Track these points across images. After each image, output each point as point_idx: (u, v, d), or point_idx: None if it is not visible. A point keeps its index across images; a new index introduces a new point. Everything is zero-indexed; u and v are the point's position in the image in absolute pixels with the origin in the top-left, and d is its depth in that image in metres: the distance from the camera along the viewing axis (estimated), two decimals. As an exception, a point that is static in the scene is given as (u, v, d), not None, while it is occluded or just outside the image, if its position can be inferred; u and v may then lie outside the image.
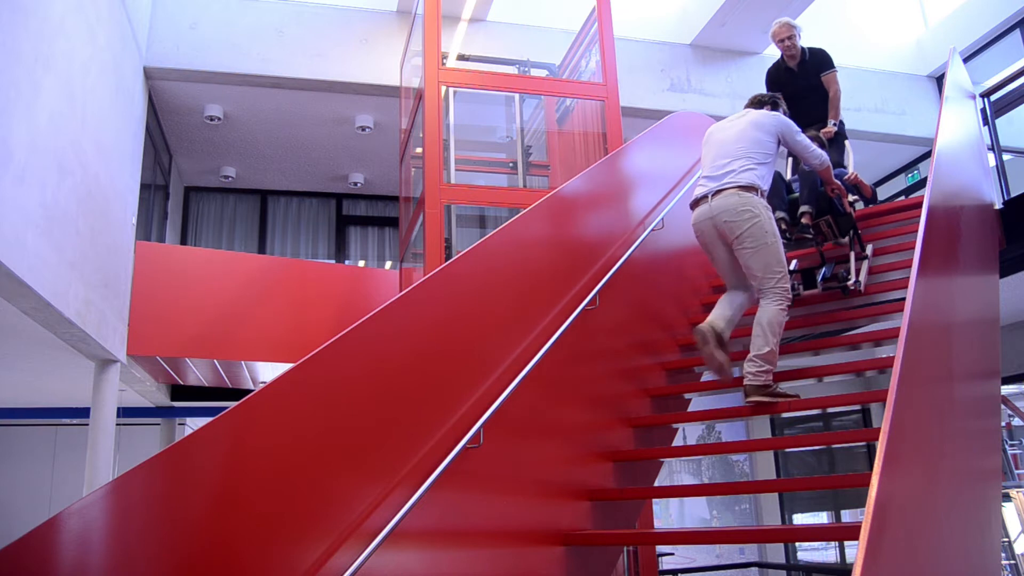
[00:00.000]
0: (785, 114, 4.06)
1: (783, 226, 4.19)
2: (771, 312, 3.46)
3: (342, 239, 9.49)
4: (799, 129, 3.90)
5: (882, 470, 1.48)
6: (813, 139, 4.35)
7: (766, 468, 10.61)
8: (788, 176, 4.85)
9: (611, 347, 3.87)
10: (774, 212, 3.93)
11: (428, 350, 2.79)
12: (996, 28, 8.37)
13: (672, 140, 5.33)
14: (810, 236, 4.28)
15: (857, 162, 6.33)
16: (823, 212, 4.30)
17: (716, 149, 3.81)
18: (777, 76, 5.32)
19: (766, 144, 3.73)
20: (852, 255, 4.40)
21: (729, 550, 9.74)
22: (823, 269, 4.41)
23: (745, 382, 3.47)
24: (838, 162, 4.80)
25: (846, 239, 4.46)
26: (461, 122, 5.95)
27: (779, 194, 4.26)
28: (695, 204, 3.76)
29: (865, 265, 4.33)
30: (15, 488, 9.41)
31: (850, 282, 4.19)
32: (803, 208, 4.21)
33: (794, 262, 4.73)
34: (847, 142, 5.03)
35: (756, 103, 4.08)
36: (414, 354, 2.72)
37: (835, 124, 5.05)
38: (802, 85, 5.13)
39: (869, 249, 4.52)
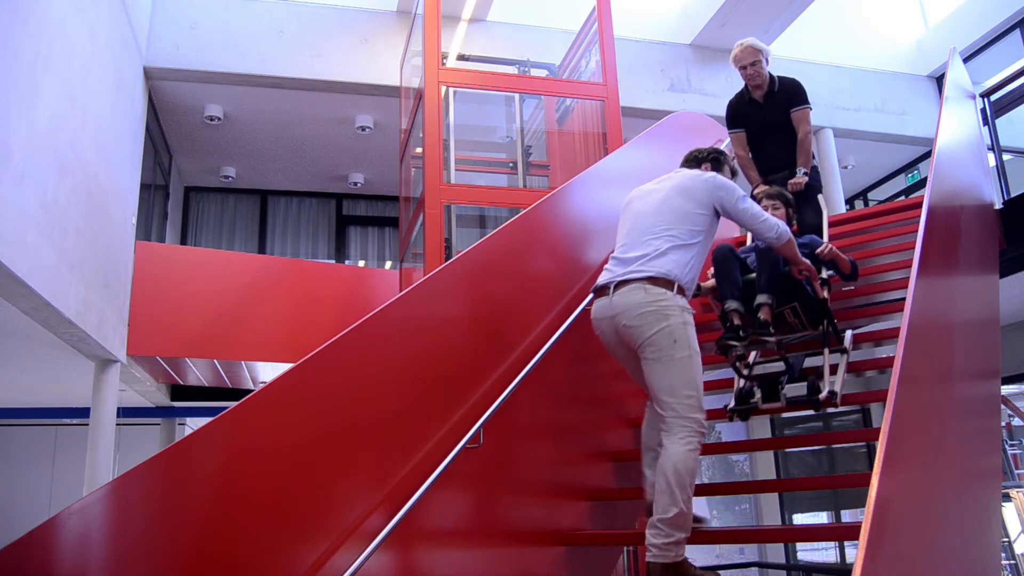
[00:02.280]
0: (733, 174, 3.26)
1: (735, 321, 3.20)
2: (677, 456, 2.55)
3: (342, 239, 9.49)
4: (744, 194, 2.98)
5: (882, 470, 1.48)
6: (769, 202, 3.52)
7: (766, 468, 10.61)
8: (750, 242, 3.89)
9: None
10: (724, 303, 3.22)
11: (429, 350, 2.79)
12: (996, 28, 8.37)
13: (673, 136, 5.33)
14: (770, 340, 3.15)
15: (857, 162, 6.22)
16: (788, 299, 3.32)
17: (631, 222, 2.99)
18: (739, 109, 4.41)
19: (695, 218, 2.87)
20: (826, 355, 3.37)
21: (729, 550, 9.74)
22: (787, 374, 3.38)
23: (648, 557, 2.58)
24: (813, 224, 3.98)
25: (821, 330, 3.41)
26: (461, 122, 5.95)
27: (730, 276, 3.27)
28: (596, 294, 2.93)
29: (843, 365, 3.35)
30: (15, 488, 9.41)
31: (823, 394, 3.19)
32: (760, 299, 3.19)
33: (752, 356, 3.62)
34: (821, 197, 4.10)
35: (692, 160, 3.22)
36: (414, 354, 2.72)
37: (805, 173, 4.10)
38: (768, 121, 4.25)
39: (848, 338, 3.48)
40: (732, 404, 3.38)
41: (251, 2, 7.00)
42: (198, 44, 6.73)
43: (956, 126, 3.99)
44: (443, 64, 5.55)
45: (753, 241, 3.67)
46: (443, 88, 5.44)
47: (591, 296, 3.01)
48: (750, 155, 4.37)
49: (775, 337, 3.17)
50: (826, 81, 8.62)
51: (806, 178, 4.09)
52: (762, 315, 3.15)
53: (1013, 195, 4.78)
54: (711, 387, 3.85)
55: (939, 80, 9.01)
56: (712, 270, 3.36)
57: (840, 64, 8.83)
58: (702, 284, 3.33)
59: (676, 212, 2.89)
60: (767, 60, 4.21)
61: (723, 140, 6.05)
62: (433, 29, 5.33)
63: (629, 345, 2.79)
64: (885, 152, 9.14)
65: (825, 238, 3.86)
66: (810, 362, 3.53)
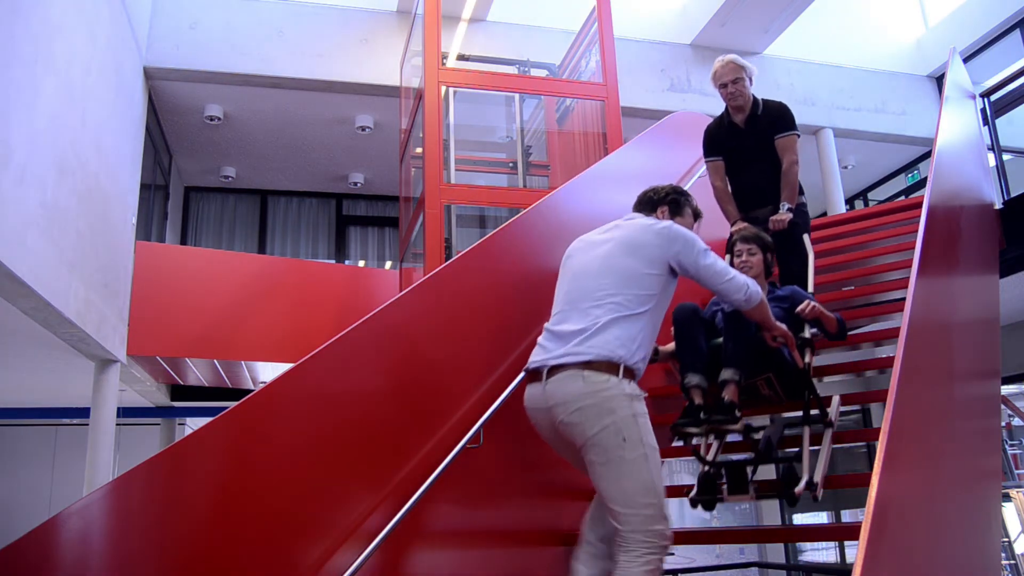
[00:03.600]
0: (696, 216, 2.75)
1: (696, 399, 2.69)
2: None
3: (342, 239, 9.49)
4: (707, 247, 2.46)
5: (882, 470, 1.48)
6: (744, 245, 3.10)
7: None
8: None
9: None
10: (684, 377, 2.74)
11: (429, 349, 2.79)
12: (996, 28, 8.37)
13: (673, 137, 5.33)
14: (734, 427, 2.63)
15: (857, 162, 6.19)
16: (761, 368, 2.84)
17: (568, 283, 2.49)
18: (717, 135, 3.86)
19: (645, 281, 2.35)
20: (806, 433, 2.81)
21: (729, 550, 9.74)
22: (756, 461, 2.75)
23: None
24: (797, 273, 3.47)
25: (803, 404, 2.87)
26: (461, 122, 5.95)
27: (692, 343, 2.76)
28: (528, 377, 2.44)
29: (827, 442, 2.80)
30: (15, 488, 9.41)
31: (799, 487, 2.60)
32: (725, 374, 2.68)
33: (712, 447, 3.01)
34: (807, 239, 3.58)
35: (645, 203, 2.69)
36: (415, 353, 2.72)
37: (789, 209, 3.55)
38: (749, 148, 3.73)
39: (834, 407, 2.99)
40: (695, 492, 2.83)
41: (251, 2, 7.00)
42: (198, 44, 6.73)
43: (956, 126, 3.99)
44: (443, 64, 5.55)
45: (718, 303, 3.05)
46: (443, 88, 5.44)
47: (522, 375, 2.53)
48: (728, 187, 3.85)
49: (740, 423, 2.62)
50: (826, 81, 8.62)
51: (790, 215, 3.53)
52: (726, 395, 2.64)
53: (1013, 195, 4.78)
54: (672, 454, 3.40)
55: (939, 80, 9.01)
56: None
57: (840, 64, 8.83)
58: (660, 348, 2.89)
59: (621, 273, 2.36)
60: (751, 79, 3.70)
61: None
62: (433, 29, 5.33)
63: (570, 443, 2.29)
64: (885, 152, 9.14)
65: (810, 286, 3.38)
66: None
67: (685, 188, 2.81)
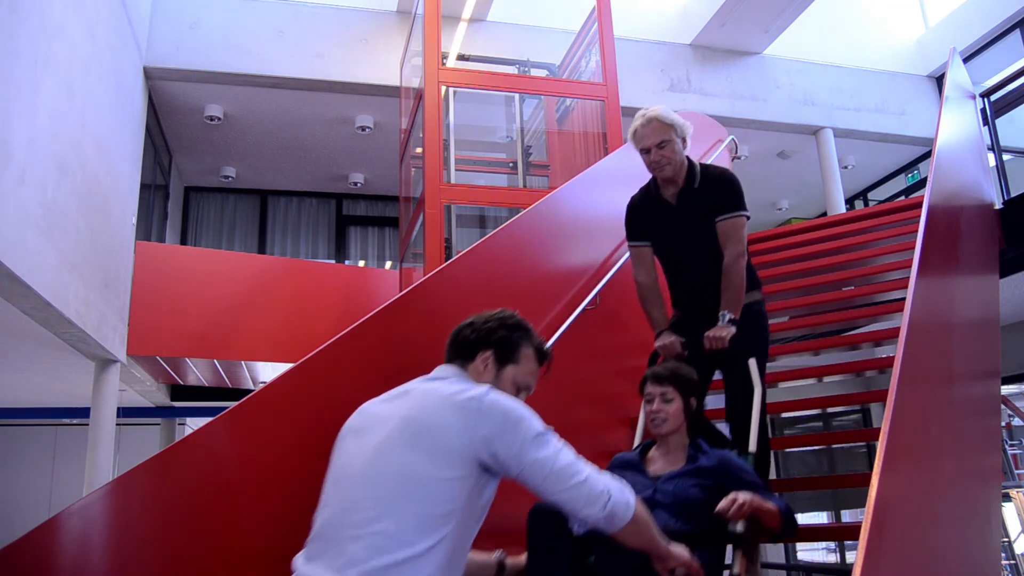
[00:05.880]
0: (541, 358, 1.84)
1: None
2: None
3: (342, 239, 9.49)
4: (544, 430, 1.60)
5: (882, 470, 1.48)
6: (655, 388, 2.26)
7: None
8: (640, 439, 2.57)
9: (611, 346, 3.87)
10: None
11: (430, 349, 2.78)
12: (996, 28, 8.37)
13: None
14: None
15: (857, 162, 6.14)
16: None
17: (330, 487, 1.63)
18: (645, 212, 2.86)
19: (435, 491, 1.49)
20: None
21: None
22: None
23: None
24: (738, 421, 2.53)
25: None
26: (461, 122, 5.95)
27: (550, 567, 1.86)
28: None
29: None
30: (15, 488, 9.42)
31: None
32: None
33: None
34: (754, 365, 2.52)
35: (459, 345, 1.83)
36: (416, 353, 2.72)
37: (732, 321, 2.56)
38: (683, 232, 2.76)
39: None
40: None
41: (251, 2, 7.01)
42: (198, 44, 6.73)
43: (956, 126, 3.98)
44: (443, 64, 5.56)
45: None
46: (443, 88, 5.45)
47: None
48: (655, 282, 2.85)
49: None
50: (826, 81, 8.63)
51: (731, 330, 2.52)
52: None
53: (1013, 195, 4.78)
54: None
55: (939, 80, 9.01)
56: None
57: (840, 64, 8.83)
58: (508, 562, 1.95)
59: (395, 481, 1.49)
60: (684, 140, 2.72)
61: (723, 140, 6.06)
62: (433, 29, 5.34)
63: None
64: (885, 152, 9.14)
65: (752, 439, 2.38)
66: None
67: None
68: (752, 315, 2.67)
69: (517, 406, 1.59)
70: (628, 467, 2.27)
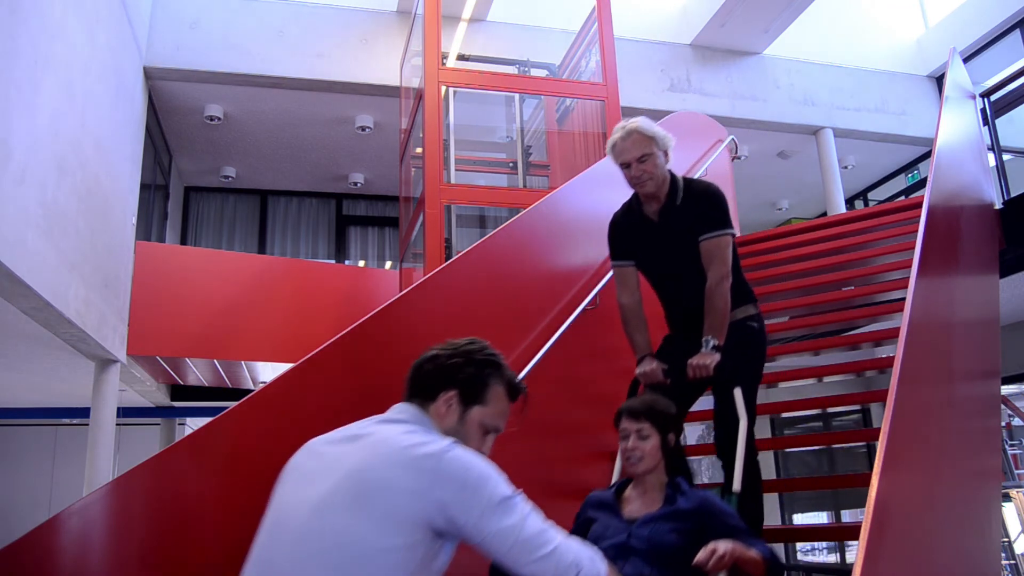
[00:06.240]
0: (512, 394, 1.66)
1: None
2: None
3: (342, 239, 9.49)
4: (511, 493, 1.43)
5: (882, 470, 1.48)
6: (631, 425, 2.10)
7: (766, 468, 10.57)
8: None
9: (611, 346, 3.87)
10: None
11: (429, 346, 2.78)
12: (996, 28, 8.37)
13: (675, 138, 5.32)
14: None
15: (857, 162, 6.13)
16: None
17: (263, 536, 1.44)
18: (627, 229, 2.71)
19: (375, 561, 1.30)
20: None
21: None
22: None
23: None
24: (724, 449, 2.40)
25: None
26: (461, 122, 5.95)
27: None
28: None
29: None
30: (15, 488, 9.42)
31: None
32: None
33: None
34: (739, 396, 2.36)
35: (420, 381, 1.63)
36: (415, 353, 2.72)
37: (716, 347, 2.39)
38: (669, 249, 2.61)
39: None
40: None
41: (251, 2, 7.01)
42: (198, 44, 6.73)
43: (956, 126, 3.98)
44: (443, 64, 5.56)
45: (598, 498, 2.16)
46: (443, 88, 5.45)
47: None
48: (639, 304, 2.69)
49: None
50: (826, 81, 8.63)
51: (715, 357, 2.36)
52: None
53: (1013, 195, 4.79)
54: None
55: (939, 80, 9.01)
56: None
57: (840, 64, 8.83)
58: None
59: (332, 551, 1.31)
60: (667, 153, 2.56)
61: (723, 140, 6.06)
62: (433, 29, 5.34)
63: None
64: (885, 152, 9.15)
65: (737, 479, 2.23)
66: None
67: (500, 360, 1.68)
68: (743, 335, 2.52)
69: (481, 466, 1.40)
70: (602, 507, 2.13)
